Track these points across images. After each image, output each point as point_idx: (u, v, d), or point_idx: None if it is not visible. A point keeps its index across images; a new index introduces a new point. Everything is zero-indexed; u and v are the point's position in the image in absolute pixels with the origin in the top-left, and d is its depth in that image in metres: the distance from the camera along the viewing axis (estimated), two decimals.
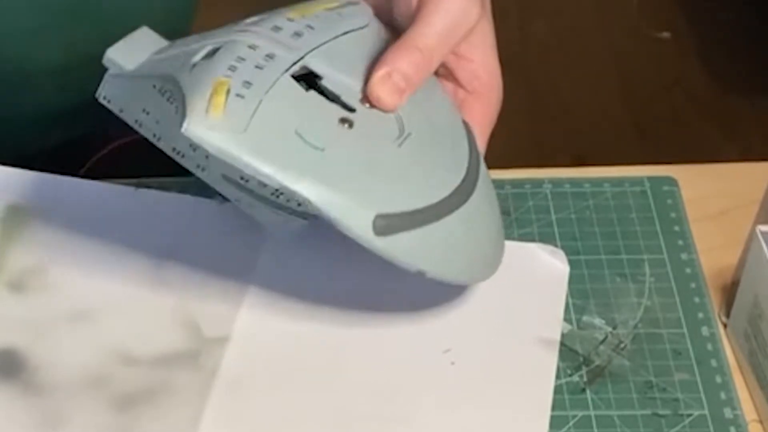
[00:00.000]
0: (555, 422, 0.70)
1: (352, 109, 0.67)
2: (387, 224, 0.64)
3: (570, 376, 0.73)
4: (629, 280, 0.78)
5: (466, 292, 0.75)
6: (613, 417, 0.71)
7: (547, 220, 0.81)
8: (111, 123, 0.69)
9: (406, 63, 0.67)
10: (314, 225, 0.67)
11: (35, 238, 0.77)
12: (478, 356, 0.72)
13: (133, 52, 0.68)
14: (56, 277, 0.75)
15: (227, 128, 0.63)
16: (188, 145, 0.64)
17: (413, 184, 0.67)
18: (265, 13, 0.70)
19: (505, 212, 0.79)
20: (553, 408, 0.70)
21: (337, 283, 0.75)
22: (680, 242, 0.80)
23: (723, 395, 0.72)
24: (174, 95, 0.64)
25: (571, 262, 0.77)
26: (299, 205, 0.64)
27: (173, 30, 0.91)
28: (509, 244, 0.73)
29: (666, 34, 2.20)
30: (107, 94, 0.67)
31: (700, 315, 0.76)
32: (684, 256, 0.79)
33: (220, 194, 0.66)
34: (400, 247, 0.65)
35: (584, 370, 0.73)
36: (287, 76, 0.66)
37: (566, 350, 0.74)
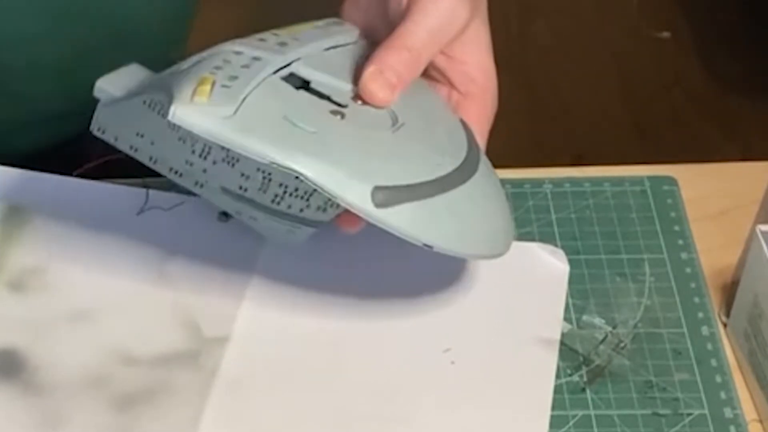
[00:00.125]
0: (555, 422, 0.70)
1: (343, 106, 0.67)
2: (386, 196, 0.63)
3: (570, 375, 0.73)
4: (629, 279, 0.78)
5: (467, 292, 0.75)
6: (613, 417, 0.71)
7: (547, 219, 0.81)
8: None
9: (396, 61, 0.68)
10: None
11: (35, 238, 0.77)
12: (478, 356, 0.72)
13: (122, 81, 0.68)
14: (56, 277, 0.75)
15: (214, 112, 0.62)
16: (184, 161, 0.64)
17: (411, 163, 0.65)
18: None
19: None
20: (553, 408, 0.70)
21: (337, 283, 0.75)
22: (680, 242, 0.80)
23: (723, 395, 0.72)
24: (164, 107, 0.63)
25: (571, 262, 0.77)
26: (298, 196, 0.63)
27: (173, 32, 0.92)
28: None
29: (666, 34, 2.20)
30: (101, 124, 0.68)
31: (700, 315, 0.76)
32: (684, 255, 0.80)
33: (223, 212, 0.67)
34: (402, 219, 0.63)
35: (584, 369, 0.73)
36: (275, 76, 0.66)
37: (566, 350, 0.74)
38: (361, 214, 0.63)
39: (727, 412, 0.71)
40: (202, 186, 0.66)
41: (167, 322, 0.73)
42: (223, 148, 0.64)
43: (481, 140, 0.72)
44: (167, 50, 0.92)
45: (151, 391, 0.70)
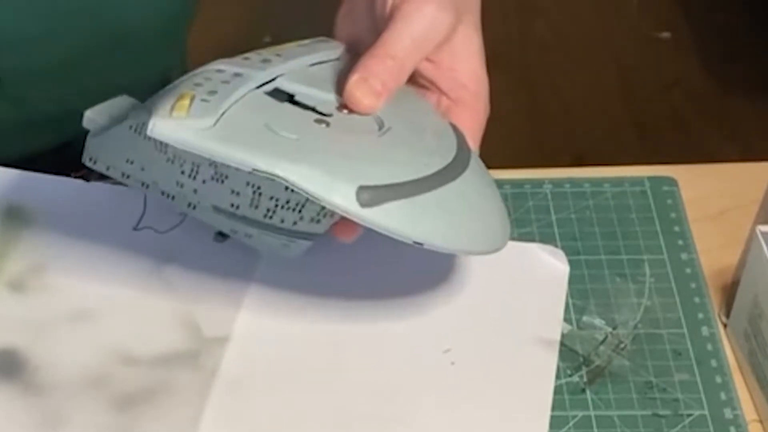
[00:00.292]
0: (555, 422, 0.70)
1: (328, 115, 0.66)
2: (372, 196, 0.62)
3: (570, 376, 0.73)
4: (629, 280, 0.78)
5: (467, 293, 0.75)
6: (613, 417, 0.71)
7: (547, 220, 0.81)
8: None
9: (380, 68, 0.68)
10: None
11: (35, 238, 0.77)
12: (478, 356, 0.72)
13: (111, 111, 0.68)
14: (56, 277, 0.75)
15: (193, 125, 0.62)
16: (175, 182, 0.64)
17: (397, 164, 0.65)
18: None
19: None
20: (553, 408, 0.70)
21: (337, 283, 0.75)
22: (680, 242, 0.80)
23: (723, 395, 0.72)
24: (147, 127, 0.63)
25: (571, 262, 0.77)
26: (290, 209, 0.64)
27: (172, 33, 0.92)
28: (509, 244, 0.73)
29: (666, 34, 2.20)
30: (92, 154, 0.68)
31: (700, 315, 0.76)
32: (684, 256, 0.80)
33: (219, 233, 0.67)
34: (389, 218, 0.63)
35: (584, 370, 0.73)
36: (258, 91, 0.66)
37: (566, 350, 0.74)
38: (347, 215, 0.62)
39: (727, 413, 0.71)
40: (194, 207, 0.66)
41: (167, 322, 0.73)
42: (210, 164, 0.64)
43: (474, 146, 0.71)
44: (167, 51, 0.92)
45: (151, 391, 0.70)
